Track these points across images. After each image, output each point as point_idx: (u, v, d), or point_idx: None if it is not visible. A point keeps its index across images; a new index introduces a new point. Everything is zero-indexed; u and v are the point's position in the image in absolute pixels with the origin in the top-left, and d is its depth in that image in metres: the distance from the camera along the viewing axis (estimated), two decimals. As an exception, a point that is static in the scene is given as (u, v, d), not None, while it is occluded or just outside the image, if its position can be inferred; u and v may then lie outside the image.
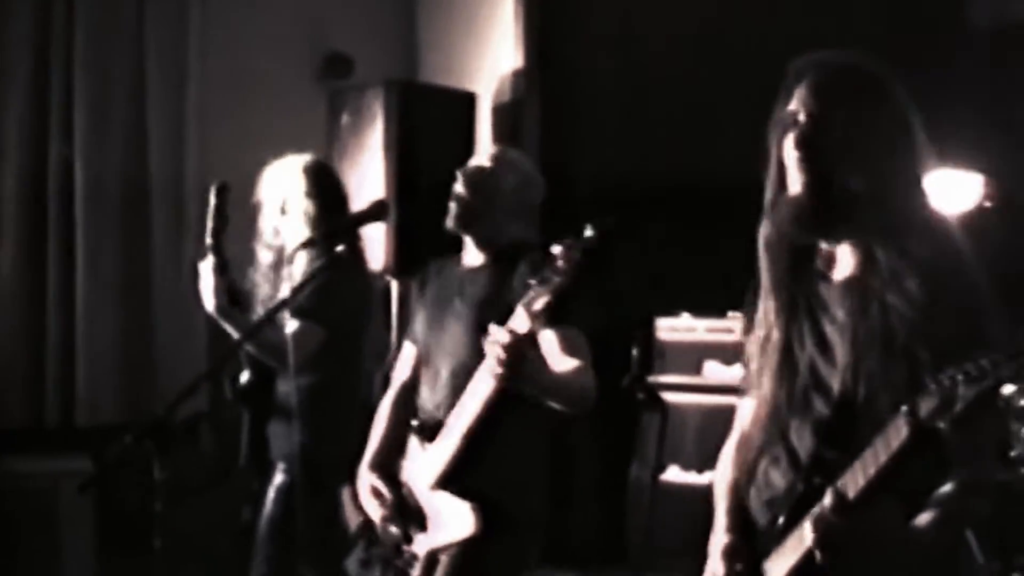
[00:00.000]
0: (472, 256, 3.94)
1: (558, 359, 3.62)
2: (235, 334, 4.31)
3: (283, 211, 4.50)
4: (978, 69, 5.45)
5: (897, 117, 2.51)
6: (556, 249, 3.21)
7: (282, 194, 4.51)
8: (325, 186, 4.56)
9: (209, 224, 4.44)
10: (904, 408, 2.15)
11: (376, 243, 5.64)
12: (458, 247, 4.02)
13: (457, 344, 3.79)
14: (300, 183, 4.49)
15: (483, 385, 3.52)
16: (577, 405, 3.64)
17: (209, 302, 4.35)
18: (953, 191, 5.12)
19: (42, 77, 6.12)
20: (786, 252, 2.60)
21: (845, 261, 2.57)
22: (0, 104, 6.05)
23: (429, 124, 6.12)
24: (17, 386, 6.07)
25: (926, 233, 2.47)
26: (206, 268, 4.36)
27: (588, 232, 3.18)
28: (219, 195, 4.41)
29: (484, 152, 3.97)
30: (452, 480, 3.67)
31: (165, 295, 6.32)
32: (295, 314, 4.33)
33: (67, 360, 6.11)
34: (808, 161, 2.49)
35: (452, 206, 3.88)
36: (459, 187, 3.89)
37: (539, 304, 3.26)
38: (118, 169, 6.28)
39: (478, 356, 3.51)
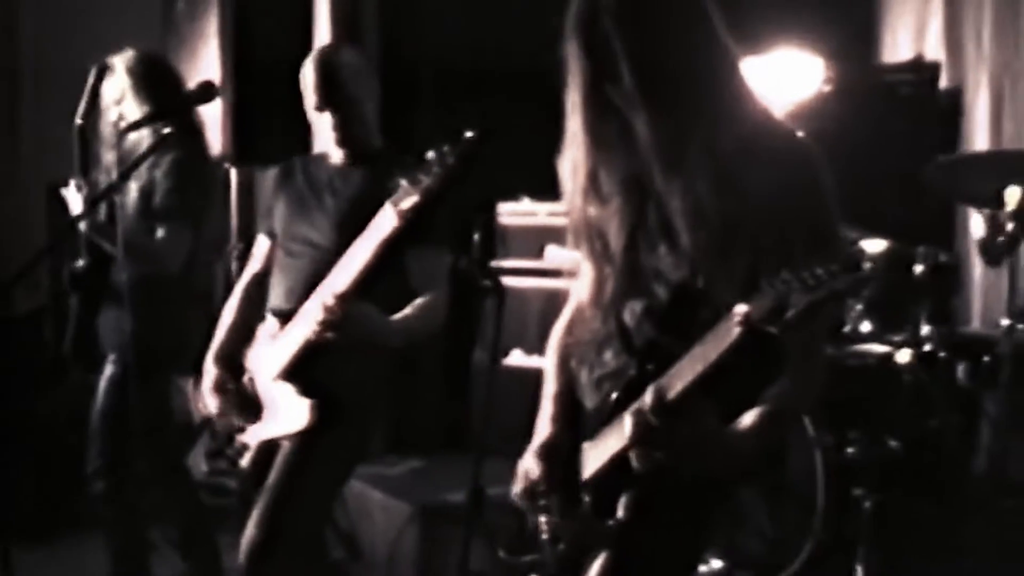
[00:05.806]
0: (339, 155, 3.83)
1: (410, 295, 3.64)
2: (109, 248, 4.22)
3: (119, 109, 4.38)
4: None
5: (691, 8, 2.45)
6: (431, 153, 3.12)
7: (116, 93, 4.40)
8: (156, 77, 4.44)
9: (82, 105, 4.33)
10: (737, 309, 2.13)
11: (213, 130, 5.56)
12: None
13: (322, 237, 3.71)
14: (131, 78, 4.38)
15: (339, 281, 3.45)
16: (419, 341, 3.68)
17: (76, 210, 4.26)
18: (794, 74, 5.19)
19: None
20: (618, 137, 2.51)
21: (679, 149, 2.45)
22: None
23: (266, 7, 6.04)
24: None
25: (761, 124, 2.46)
26: (71, 190, 4.25)
27: (466, 135, 3.08)
28: (99, 76, 4.30)
29: (314, 61, 3.75)
30: (296, 373, 3.61)
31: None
32: (160, 217, 4.27)
33: None
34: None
35: (334, 132, 3.75)
36: (330, 112, 3.74)
37: (407, 203, 3.19)
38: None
39: (341, 252, 3.46)
